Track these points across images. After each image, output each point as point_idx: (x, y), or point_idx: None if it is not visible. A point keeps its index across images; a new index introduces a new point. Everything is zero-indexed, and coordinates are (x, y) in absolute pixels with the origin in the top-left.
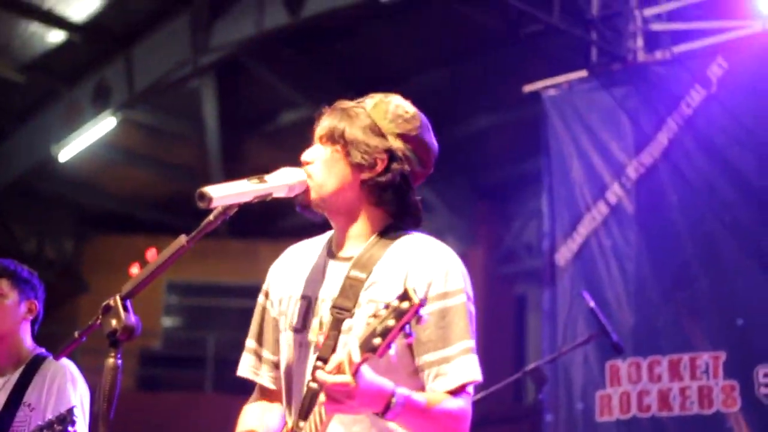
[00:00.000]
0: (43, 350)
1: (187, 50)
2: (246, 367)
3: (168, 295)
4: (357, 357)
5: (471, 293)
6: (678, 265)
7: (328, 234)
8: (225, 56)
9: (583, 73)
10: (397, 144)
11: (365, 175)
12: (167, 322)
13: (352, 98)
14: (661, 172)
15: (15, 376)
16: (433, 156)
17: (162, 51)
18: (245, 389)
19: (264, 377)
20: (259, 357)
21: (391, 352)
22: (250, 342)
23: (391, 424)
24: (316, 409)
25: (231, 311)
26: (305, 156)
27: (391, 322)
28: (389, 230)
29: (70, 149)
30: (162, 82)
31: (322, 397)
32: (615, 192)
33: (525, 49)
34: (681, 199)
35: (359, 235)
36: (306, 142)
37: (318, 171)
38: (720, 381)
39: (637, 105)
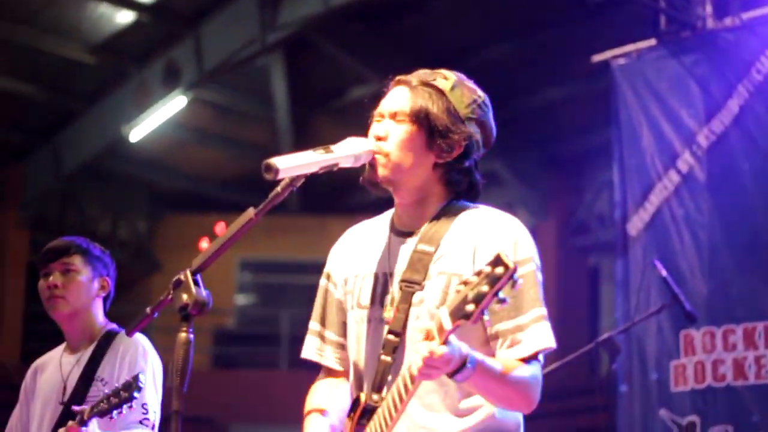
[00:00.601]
0: (114, 326)
1: (255, 28)
2: (311, 349)
3: (241, 272)
4: (448, 324)
5: (539, 262)
6: (751, 233)
7: (388, 213)
8: (293, 33)
9: (651, 42)
10: (473, 129)
11: (442, 159)
12: (240, 299)
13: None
14: (732, 140)
15: (88, 352)
16: (493, 138)
17: (230, 29)
18: (319, 366)
19: (329, 358)
20: (323, 338)
21: (485, 317)
22: (314, 324)
23: (466, 392)
24: (399, 379)
25: (304, 288)
26: (377, 131)
27: (484, 288)
28: (453, 204)
29: (141, 129)
30: (231, 60)
31: (405, 368)
32: (686, 160)
33: (593, 19)
34: (753, 166)
35: (423, 211)
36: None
37: (394, 149)
38: None
39: (706, 72)
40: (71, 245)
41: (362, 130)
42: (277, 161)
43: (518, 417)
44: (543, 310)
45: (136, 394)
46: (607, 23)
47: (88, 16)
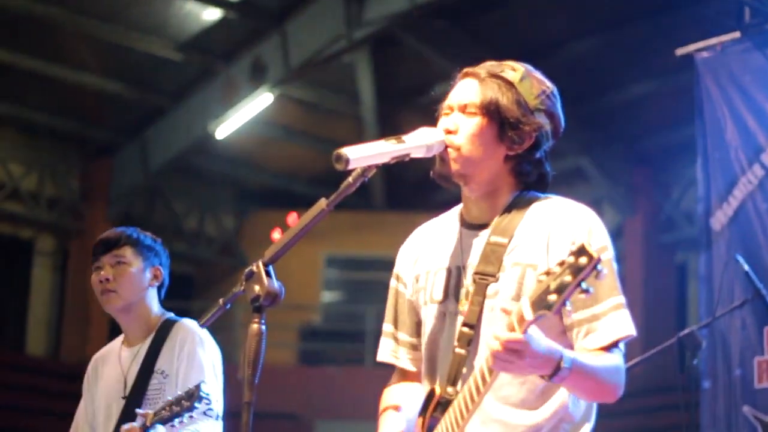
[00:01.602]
0: (171, 314)
1: (341, 25)
2: (386, 352)
3: (327, 269)
4: (529, 315)
5: (613, 250)
6: None
7: (455, 209)
8: (378, 30)
9: (736, 35)
10: (543, 120)
11: (513, 151)
12: (327, 296)
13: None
14: None
15: (146, 345)
16: (562, 129)
17: (316, 26)
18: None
19: (403, 360)
20: (396, 340)
21: (568, 307)
22: (387, 326)
23: (540, 385)
24: (476, 370)
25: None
26: (447, 124)
27: (567, 278)
28: (523, 195)
29: (228, 126)
30: (317, 57)
31: (482, 360)
32: None
33: (678, 13)
34: None
35: (494, 203)
36: None
37: (465, 142)
38: None
39: None
40: (121, 237)
41: None
42: (347, 151)
43: (592, 406)
44: (621, 299)
45: (197, 405)
46: (691, 17)
47: (175, 13)
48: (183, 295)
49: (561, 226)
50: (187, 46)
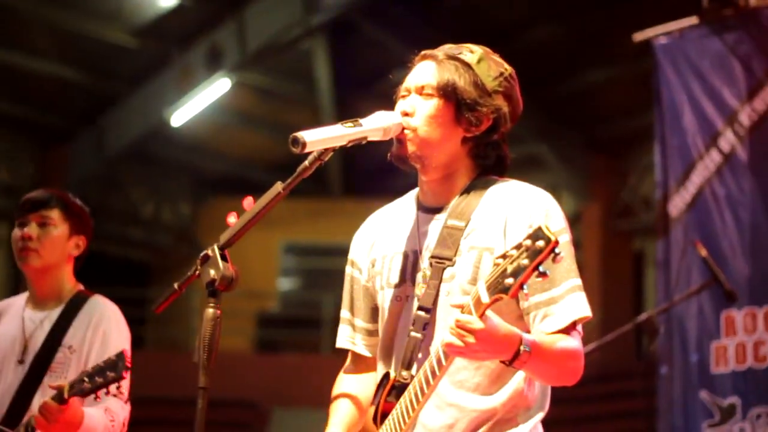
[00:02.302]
0: (82, 287)
1: (299, 10)
2: (343, 338)
3: (284, 256)
4: (486, 298)
5: (570, 233)
6: None
7: (410, 193)
8: (336, 16)
9: (693, 20)
10: (500, 102)
11: (470, 133)
12: (284, 284)
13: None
14: None
15: (55, 313)
16: (520, 111)
17: (273, 12)
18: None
19: (359, 346)
20: (353, 326)
21: (525, 290)
22: (344, 312)
23: (496, 370)
24: (432, 354)
25: None
26: (404, 107)
27: (524, 261)
28: (481, 179)
29: (184, 113)
30: (274, 43)
31: (437, 344)
32: (728, 140)
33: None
34: None
35: (452, 186)
36: None
37: (422, 124)
38: None
39: (749, 51)
40: (52, 197)
41: None
42: (304, 134)
43: (547, 392)
44: (578, 281)
45: (125, 374)
46: (649, 3)
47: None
48: (139, 282)
49: (518, 210)
50: (144, 33)
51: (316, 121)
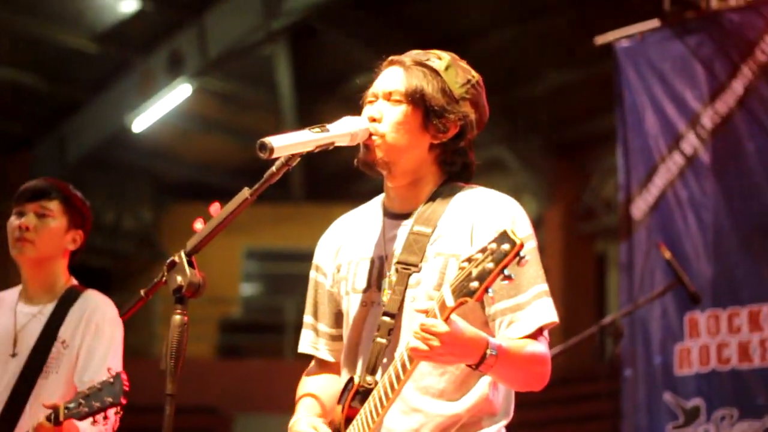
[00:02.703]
0: (76, 282)
1: (259, 16)
2: (306, 343)
3: (246, 261)
4: (450, 301)
5: (536, 240)
6: (756, 215)
7: (376, 199)
8: (297, 21)
9: (655, 23)
10: (467, 109)
11: (437, 140)
12: (246, 289)
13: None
14: (737, 121)
15: (49, 308)
16: (486, 118)
17: (234, 17)
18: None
19: (323, 351)
20: (316, 331)
21: (490, 294)
22: (307, 317)
23: (461, 376)
24: (397, 359)
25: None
26: (372, 112)
27: (489, 265)
28: (447, 185)
29: (145, 119)
30: (235, 48)
31: (403, 349)
32: (690, 142)
33: (598, 2)
34: (758, 147)
35: (418, 192)
36: None
37: (389, 130)
38: None
39: (710, 53)
40: (52, 188)
41: None
42: (271, 140)
43: (511, 398)
44: (544, 287)
45: (123, 400)
46: (611, 6)
47: (91, 5)
48: (101, 289)
49: (485, 216)
50: (104, 38)
51: (277, 126)
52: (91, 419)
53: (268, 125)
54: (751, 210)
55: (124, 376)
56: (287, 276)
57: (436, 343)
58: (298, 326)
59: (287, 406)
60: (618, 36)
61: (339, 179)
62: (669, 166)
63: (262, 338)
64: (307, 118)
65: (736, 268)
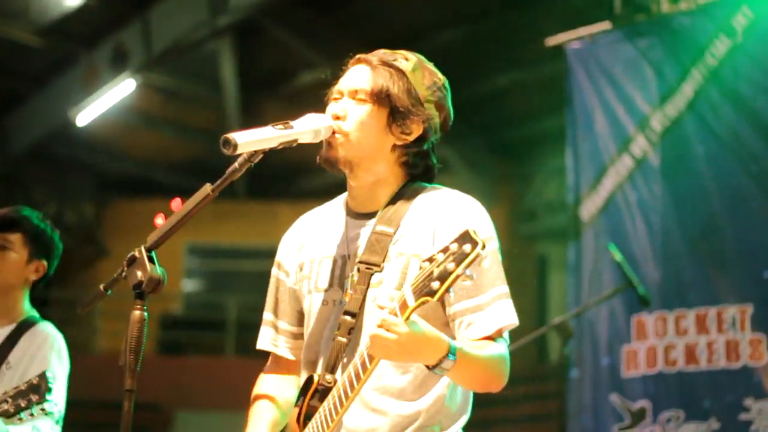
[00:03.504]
0: (35, 314)
1: (205, 11)
2: (265, 340)
3: (188, 258)
4: (412, 301)
5: (498, 242)
6: (704, 218)
7: (339, 198)
8: (242, 18)
9: (606, 25)
10: (432, 112)
11: (401, 141)
12: (188, 285)
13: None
14: (686, 124)
15: (2, 333)
16: (450, 122)
17: (179, 13)
18: (266, 352)
19: (282, 348)
20: (276, 328)
21: (451, 294)
22: (267, 314)
23: (420, 376)
24: (357, 358)
25: (252, 274)
26: (336, 110)
27: (450, 266)
28: (410, 186)
29: (89, 113)
30: (180, 44)
31: (363, 347)
32: (640, 145)
33: (548, 4)
34: (707, 151)
35: (380, 193)
36: (324, 102)
37: (353, 129)
38: (747, 334)
39: (661, 56)
40: (15, 220)
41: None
42: (235, 136)
43: (468, 398)
44: (504, 288)
45: (48, 396)
46: (560, 7)
47: None
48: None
49: (447, 217)
50: (48, 32)
51: (220, 123)
52: (17, 417)
53: (211, 122)
54: (698, 213)
55: (50, 375)
56: (229, 273)
57: (394, 340)
58: (240, 323)
59: (228, 404)
60: (569, 38)
61: (282, 177)
62: (618, 168)
63: (204, 335)
64: (250, 115)
65: (684, 271)
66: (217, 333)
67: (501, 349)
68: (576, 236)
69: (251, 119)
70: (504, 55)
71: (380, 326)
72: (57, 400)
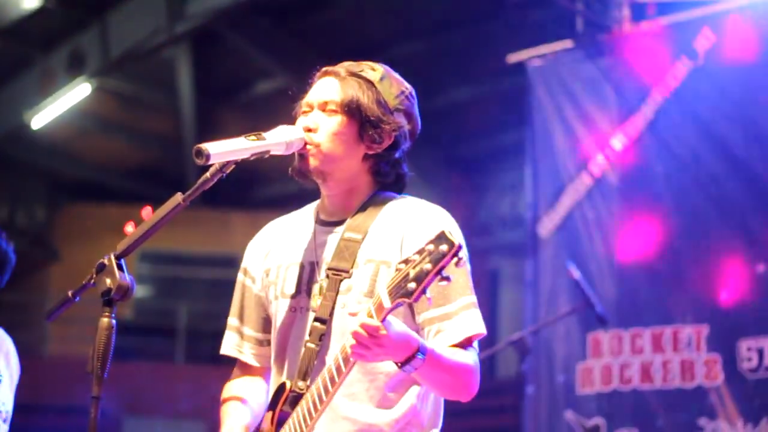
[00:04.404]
0: None
1: (163, 18)
2: (229, 345)
3: (139, 264)
4: (388, 302)
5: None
6: (661, 238)
7: (310, 206)
8: (200, 25)
9: (568, 44)
10: (402, 121)
11: (372, 150)
12: (138, 291)
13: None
14: (645, 144)
15: None
16: (419, 129)
17: (137, 18)
18: (216, 360)
19: (247, 354)
20: (241, 334)
21: (428, 295)
22: (233, 320)
23: (390, 383)
24: (332, 362)
25: (203, 281)
26: (308, 122)
27: (427, 266)
28: (379, 195)
29: (44, 116)
30: (137, 49)
31: (337, 352)
32: (598, 163)
33: (510, 20)
34: (666, 172)
35: (351, 201)
36: (282, 112)
37: (325, 140)
38: (703, 354)
39: (622, 76)
40: None
41: (268, 124)
42: (208, 146)
43: (439, 409)
44: (472, 298)
45: None
46: (521, 24)
47: None
48: None
49: (416, 225)
50: (5, 34)
51: (176, 129)
52: None
53: (167, 128)
54: (655, 233)
55: None
56: (180, 279)
57: (372, 342)
58: (190, 330)
59: (176, 411)
60: (530, 55)
61: (237, 186)
62: (577, 186)
63: (153, 341)
64: (206, 123)
65: (640, 290)
66: (166, 340)
67: (470, 357)
68: (534, 253)
69: (207, 127)
70: (461, 69)
71: (359, 329)
72: (4, 399)
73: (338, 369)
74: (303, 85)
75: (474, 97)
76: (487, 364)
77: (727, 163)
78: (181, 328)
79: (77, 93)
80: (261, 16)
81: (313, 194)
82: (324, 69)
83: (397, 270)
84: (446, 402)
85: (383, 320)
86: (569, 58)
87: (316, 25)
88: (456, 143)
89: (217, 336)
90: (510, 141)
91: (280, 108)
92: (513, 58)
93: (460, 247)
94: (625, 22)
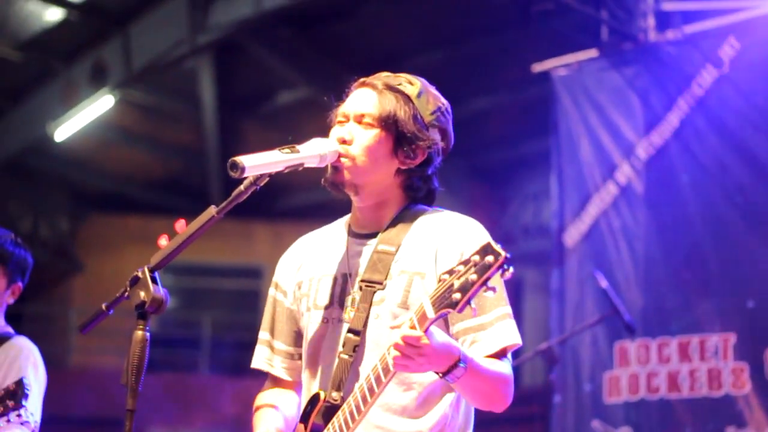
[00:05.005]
0: (10, 330)
1: (185, 29)
2: (260, 359)
3: (164, 275)
4: (431, 312)
5: None
6: (688, 246)
7: (342, 219)
8: (222, 36)
9: (593, 53)
10: (436, 137)
11: (405, 165)
12: None
13: (353, 79)
14: (671, 153)
15: None
16: (452, 146)
17: (159, 30)
18: (239, 371)
19: (278, 368)
20: (272, 348)
21: (473, 305)
22: (264, 334)
23: (423, 393)
24: (371, 373)
25: (226, 292)
26: (343, 134)
27: (473, 277)
28: (411, 208)
29: (67, 128)
30: (159, 61)
31: (368, 366)
32: (624, 172)
33: (534, 29)
34: (692, 180)
35: (383, 214)
36: (304, 122)
37: (360, 153)
38: (730, 363)
39: (647, 85)
40: None
41: (289, 134)
42: (243, 159)
43: (470, 419)
44: (507, 309)
45: (24, 402)
46: (547, 33)
47: (16, 13)
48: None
49: (450, 238)
50: (28, 46)
51: (198, 141)
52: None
53: (189, 139)
54: (682, 241)
55: (27, 382)
56: (203, 290)
57: (415, 353)
58: (214, 341)
59: (200, 421)
60: (555, 64)
61: (259, 196)
62: (603, 195)
63: (177, 352)
64: (228, 133)
65: (667, 299)
66: (190, 351)
67: (506, 368)
68: (560, 262)
69: (229, 138)
70: (484, 78)
71: (401, 340)
72: (33, 409)
73: (377, 379)
74: (325, 95)
75: (496, 107)
76: (514, 373)
77: (753, 170)
78: (205, 339)
79: (100, 105)
80: (283, 27)
81: (337, 205)
82: (361, 80)
83: (440, 281)
84: (475, 411)
85: (426, 330)
86: (594, 67)
87: (338, 35)
88: (479, 152)
89: (241, 346)
90: (533, 150)
91: (303, 119)
92: (538, 67)
93: (506, 258)
94: (650, 31)
